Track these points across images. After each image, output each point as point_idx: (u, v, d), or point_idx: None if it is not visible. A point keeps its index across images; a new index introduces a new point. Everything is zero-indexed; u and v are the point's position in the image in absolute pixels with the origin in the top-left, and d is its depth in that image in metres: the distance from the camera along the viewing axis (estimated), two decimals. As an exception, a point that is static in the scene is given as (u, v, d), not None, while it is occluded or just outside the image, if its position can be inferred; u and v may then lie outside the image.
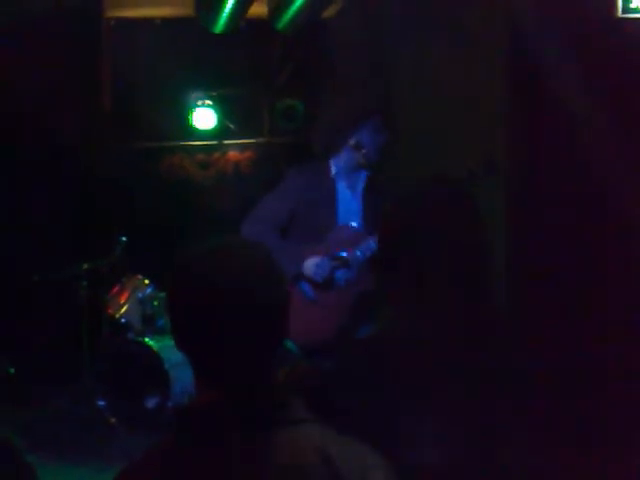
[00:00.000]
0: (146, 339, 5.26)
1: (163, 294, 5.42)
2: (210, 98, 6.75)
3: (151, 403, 5.05)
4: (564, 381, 1.67)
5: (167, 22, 6.79)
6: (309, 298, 3.40)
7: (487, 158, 3.21)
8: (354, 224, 3.52)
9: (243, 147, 7.19)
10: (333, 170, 3.56)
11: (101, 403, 5.18)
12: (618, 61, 3.49)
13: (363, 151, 3.51)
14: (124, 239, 5.53)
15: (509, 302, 3.76)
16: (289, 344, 3.14)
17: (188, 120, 6.76)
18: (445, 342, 1.59)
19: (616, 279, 3.48)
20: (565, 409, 1.61)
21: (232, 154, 7.19)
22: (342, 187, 3.56)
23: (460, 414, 1.54)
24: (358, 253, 3.40)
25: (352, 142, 3.50)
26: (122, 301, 5.50)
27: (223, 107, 6.83)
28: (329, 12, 6.49)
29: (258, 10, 5.90)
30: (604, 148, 3.59)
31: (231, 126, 6.97)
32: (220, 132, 6.94)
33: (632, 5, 3.24)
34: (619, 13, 3.32)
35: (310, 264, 3.40)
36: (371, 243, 3.35)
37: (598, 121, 3.60)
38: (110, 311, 5.50)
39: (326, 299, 3.42)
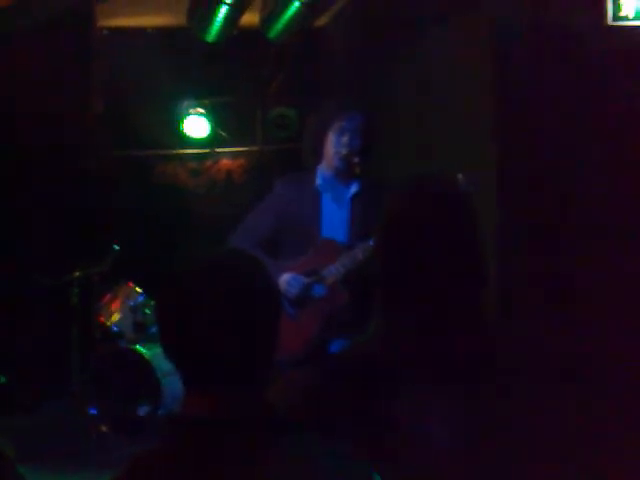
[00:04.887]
0: (138, 347, 5.25)
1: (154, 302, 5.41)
2: (202, 106, 6.76)
3: (143, 411, 5.05)
4: (558, 382, 1.67)
5: (159, 31, 6.82)
6: (288, 314, 3.36)
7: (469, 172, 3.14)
8: (336, 237, 3.41)
9: (235, 155, 7.20)
10: (318, 180, 3.46)
11: (92, 411, 5.17)
12: (608, 68, 3.51)
13: (355, 160, 3.38)
14: (116, 247, 5.52)
15: (501, 310, 3.77)
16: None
17: (180, 128, 6.77)
18: (430, 358, 1.59)
19: (615, 279, 3.50)
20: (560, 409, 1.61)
21: (224, 162, 7.19)
22: (327, 199, 3.46)
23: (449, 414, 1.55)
24: (332, 269, 3.33)
25: (344, 151, 3.37)
26: (114, 309, 5.49)
27: (215, 115, 6.84)
28: (321, 21, 6.52)
29: (250, 19, 5.92)
30: (593, 151, 3.61)
31: (223, 134, 6.97)
32: (212, 140, 6.95)
33: (622, 13, 3.27)
34: (609, 21, 3.35)
35: (282, 281, 3.35)
36: (356, 254, 3.26)
37: (588, 126, 3.63)
38: (102, 319, 5.49)
39: (300, 315, 3.38)
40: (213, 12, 5.59)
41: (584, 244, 3.57)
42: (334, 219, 3.45)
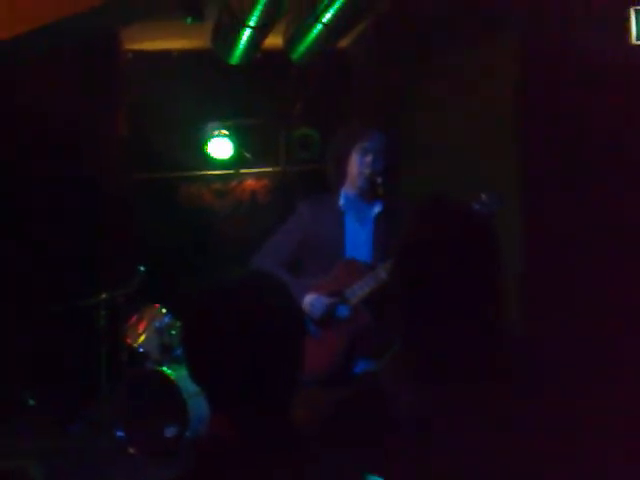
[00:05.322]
0: (164, 368, 5.26)
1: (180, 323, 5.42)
2: (226, 128, 6.81)
3: (170, 432, 5.04)
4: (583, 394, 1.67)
5: (184, 54, 6.89)
6: (313, 334, 3.35)
7: (493, 191, 3.15)
8: (360, 257, 3.41)
9: (259, 176, 7.24)
10: (341, 201, 3.48)
11: (120, 434, 5.18)
12: (633, 87, 3.51)
13: (378, 180, 3.39)
14: (142, 269, 5.56)
15: (522, 322, 3.76)
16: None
17: (205, 150, 6.82)
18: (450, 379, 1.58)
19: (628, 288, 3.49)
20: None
21: (249, 183, 7.23)
22: (350, 219, 3.47)
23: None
24: (356, 290, 3.31)
25: (367, 172, 3.40)
26: (140, 330, 5.52)
27: (239, 137, 6.89)
28: (343, 42, 6.55)
29: (273, 41, 5.96)
30: (615, 164, 3.62)
31: (247, 155, 7.01)
32: (237, 161, 7.00)
33: (646, 32, 3.27)
34: (634, 40, 3.35)
35: (306, 303, 3.35)
36: (379, 274, 3.25)
37: (613, 141, 3.63)
38: (128, 340, 5.51)
39: (324, 335, 3.36)
40: (237, 35, 5.63)
41: (603, 247, 3.58)
42: (357, 239, 3.46)
